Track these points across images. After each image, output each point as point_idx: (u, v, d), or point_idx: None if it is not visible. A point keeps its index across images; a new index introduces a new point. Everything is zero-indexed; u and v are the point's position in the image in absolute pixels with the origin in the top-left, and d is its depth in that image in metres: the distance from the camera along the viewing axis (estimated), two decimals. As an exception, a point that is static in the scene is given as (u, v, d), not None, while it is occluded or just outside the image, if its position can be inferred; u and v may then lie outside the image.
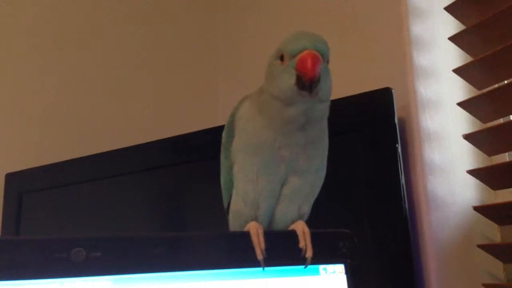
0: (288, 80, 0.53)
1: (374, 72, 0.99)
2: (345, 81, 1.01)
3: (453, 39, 0.91)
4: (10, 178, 1.26)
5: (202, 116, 1.46)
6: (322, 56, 0.53)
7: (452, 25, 0.95)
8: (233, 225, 0.63)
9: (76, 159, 1.19)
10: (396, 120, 0.85)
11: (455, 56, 0.95)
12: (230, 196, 0.62)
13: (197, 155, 1.07)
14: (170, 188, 1.13)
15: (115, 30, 1.46)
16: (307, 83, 0.52)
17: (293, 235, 0.57)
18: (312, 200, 0.61)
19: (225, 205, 0.65)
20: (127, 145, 1.14)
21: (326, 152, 0.61)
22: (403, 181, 0.83)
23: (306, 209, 0.61)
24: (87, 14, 1.43)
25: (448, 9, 0.92)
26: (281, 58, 0.55)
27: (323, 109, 0.57)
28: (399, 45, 0.94)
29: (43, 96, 1.35)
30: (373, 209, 0.85)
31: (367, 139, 0.86)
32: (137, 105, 1.44)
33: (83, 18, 1.43)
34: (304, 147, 0.57)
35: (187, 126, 1.13)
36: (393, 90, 0.86)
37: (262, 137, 0.57)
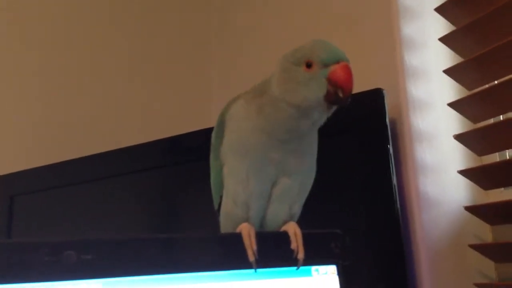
0: (317, 91, 0.53)
1: (365, 73, 0.99)
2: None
3: (443, 39, 0.91)
4: (1, 181, 1.25)
5: (195, 117, 1.45)
6: None
7: (442, 26, 0.96)
8: (225, 226, 0.62)
9: (68, 161, 1.19)
10: (387, 121, 0.85)
11: (446, 57, 0.95)
12: (221, 197, 0.62)
13: (189, 156, 1.06)
14: (163, 189, 1.12)
15: (107, 32, 1.45)
16: (345, 95, 0.52)
17: (284, 236, 0.57)
18: (302, 200, 0.61)
19: (216, 206, 0.65)
20: (119, 147, 1.13)
21: (315, 152, 0.61)
22: (394, 181, 0.84)
23: (297, 209, 0.61)
24: (78, 16, 1.43)
25: (439, 10, 0.92)
26: (307, 65, 0.54)
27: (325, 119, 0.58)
28: (389, 46, 0.94)
29: (33, 98, 1.34)
30: (365, 209, 0.85)
31: (359, 140, 0.87)
32: (129, 106, 1.43)
33: (76, 20, 1.42)
34: (296, 150, 0.57)
35: (180, 127, 1.12)
36: (384, 91, 0.86)
37: (254, 139, 0.57)
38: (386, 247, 0.83)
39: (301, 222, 0.61)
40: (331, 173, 0.86)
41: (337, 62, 0.53)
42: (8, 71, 1.33)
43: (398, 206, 0.83)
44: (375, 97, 0.87)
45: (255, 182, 0.57)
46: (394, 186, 0.84)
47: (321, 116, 0.56)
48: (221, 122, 0.61)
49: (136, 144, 1.12)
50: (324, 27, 1.10)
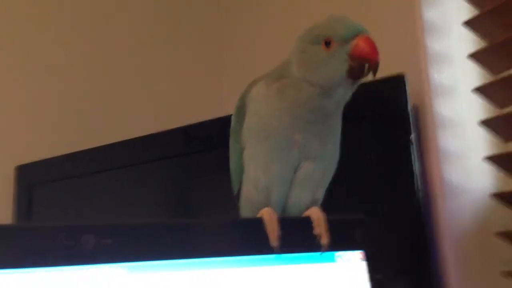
0: (340, 70, 0.52)
1: (387, 58, 0.96)
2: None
3: (467, 23, 0.88)
4: (21, 170, 1.26)
5: (206, 106, 1.44)
6: None
7: (466, 10, 0.93)
8: (245, 211, 0.61)
9: (85, 150, 1.18)
10: (409, 107, 0.83)
11: (469, 42, 0.93)
12: (241, 182, 0.61)
13: (205, 144, 1.05)
14: (180, 178, 1.11)
15: (119, 24, 1.45)
16: (373, 67, 0.51)
17: (308, 222, 0.56)
18: (326, 185, 0.60)
19: (235, 191, 0.63)
20: (135, 136, 1.12)
21: (339, 136, 0.59)
22: (417, 169, 0.82)
23: (320, 194, 0.59)
24: (93, 10, 1.43)
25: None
26: (326, 43, 0.52)
27: (350, 97, 0.56)
28: (411, 31, 0.92)
29: (51, 87, 1.35)
30: (387, 198, 0.83)
31: (380, 127, 0.85)
32: (144, 96, 1.43)
33: (87, 15, 1.42)
34: (320, 132, 0.56)
35: (191, 117, 1.11)
36: (406, 77, 0.84)
37: (277, 121, 0.55)
38: (409, 236, 0.82)
39: (323, 207, 0.59)
40: (353, 161, 0.84)
41: (356, 35, 0.51)
42: (28, 61, 1.33)
43: (421, 194, 0.82)
44: (397, 83, 0.85)
45: (277, 166, 0.56)
46: (416, 174, 0.82)
47: (345, 94, 0.55)
48: (242, 105, 0.59)
49: (153, 133, 1.11)
50: (343, 12, 1.08)
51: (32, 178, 1.25)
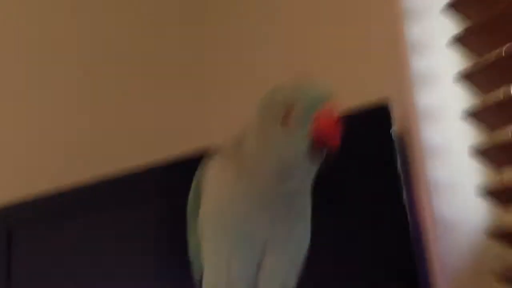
0: (297, 150, 0.45)
1: (367, 81, 0.91)
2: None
3: (455, 40, 0.82)
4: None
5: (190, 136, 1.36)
6: None
7: (452, 26, 0.86)
8: None
9: (71, 189, 1.08)
10: (394, 137, 0.77)
11: (457, 60, 0.86)
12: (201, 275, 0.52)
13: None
14: (176, 220, 1.01)
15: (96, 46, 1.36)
16: (332, 152, 0.45)
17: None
18: (295, 273, 0.52)
19: (197, 278, 0.55)
20: (125, 168, 1.03)
21: (309, 215, 0.52)
22: (406, 203, 0.76)
23: (291, 283, 0.52)
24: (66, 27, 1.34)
25: (447, 9, 0.83)
26: (284, 119, 0.45)
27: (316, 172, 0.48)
28: (394, 50, 0.85)
29: (29, 118, 1.26)
30: (375, 236, 0.78)
31: (364, 161, 0.79)
32: (127, 125, 1.33)
33: (67, 33, 1.33)
34: (285, 217, 0.49)
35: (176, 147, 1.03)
36: (390, 105, 0.77)
37: (235, 209, 0.48)
38: (401, 279, 0.76)
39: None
40: (335, 200, 0.78)
41: (318, 109, 0.44)
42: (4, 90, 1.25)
43: (411, 231, 0.76)
44: (380, 110, 0.79)
45: (238, 266, 0.48)
46: (406, 208, 0.76)
47: (310, 171, 0.48)
48: (197, 187, 0.52)
49: (137, 170, 1.02)
50: (322, 29, 1.01)
51: (10, 221, 1.15)
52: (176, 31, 1.36)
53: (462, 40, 0.81)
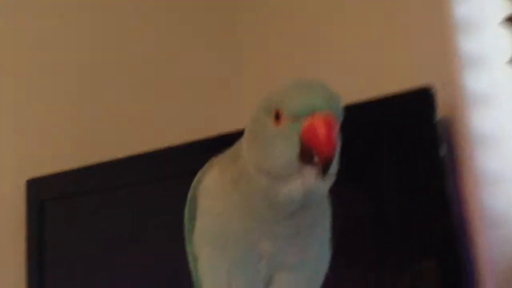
0: (288, 151, 0.39)
1: (411, 64, 0.86)
2: (374, 77, 0.89)
3: (508, 20, 0.76)
4: (32, 184, 1.19)
5: (225, 118, 1.36)
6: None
7: (504, 4, 0.80)
8: None
9: (100, 163, 1.11)
10: (437, 125, 0.72)
11: (509, 41, 0.80)
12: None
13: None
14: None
15: (132, 31, 1.37)
16: (322, 161, 0.38)
17: None
18: None
19: None
20: (152, 148, 1.05)
21: (328, 228, 0.46)
22: (451, 194, 0.71)
23: None
24: (101, 16, 1.36)
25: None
26: (276, 116, 0.39)
27: (327, 188, 0.41)
28: (440, 31, 0.80)
29: (63, 97, 1.29)
30: (417, 230, 0.73)
31: (406, 148, 0.74)
32: (161, 107, 1.36)
33: (97, 20, 1.35)
34: (294, 237, 0.42)
35: (211, 128, 1.02)
36: (433, 90, 0.72)
37: (234, 224, 0.42)
38: (445, 275, 0.71)
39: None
40: (376, 190, 0.74)
41: (312, 113, 0.38)
42: (37, 71, 1.27)
43: (457, 225, 0.71)
44: (423, 97, 0.74)
45: (240, 283, 0.43)
46: (450, 200, 0.71)
47: (315, 185, 0.40)
48: (193, 198, 0.47)
49: (172, 146, 1.03)
50: (361, 9, 0.96)
51: (43, 193, 1.18)
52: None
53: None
